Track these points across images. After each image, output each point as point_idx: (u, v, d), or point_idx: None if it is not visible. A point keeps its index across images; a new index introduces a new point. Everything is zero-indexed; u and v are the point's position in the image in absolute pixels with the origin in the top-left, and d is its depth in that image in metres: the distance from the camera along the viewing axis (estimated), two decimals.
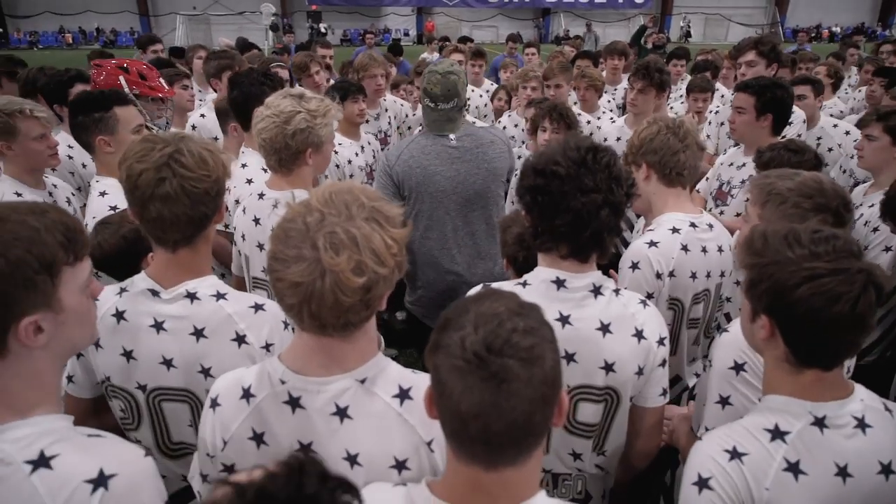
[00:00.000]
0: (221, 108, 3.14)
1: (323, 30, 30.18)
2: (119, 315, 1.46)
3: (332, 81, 4.74)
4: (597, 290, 1.53)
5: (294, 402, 1.16)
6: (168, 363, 1.46)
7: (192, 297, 1.46)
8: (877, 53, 7.06)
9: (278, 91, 2.16)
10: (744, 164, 2.94)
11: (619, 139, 3.81)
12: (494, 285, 1.46)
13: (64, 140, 2.92)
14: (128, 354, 1.47)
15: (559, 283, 1.51)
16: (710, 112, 4.55)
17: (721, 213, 2.95)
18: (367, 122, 4.18)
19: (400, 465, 1.15)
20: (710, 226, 2.04)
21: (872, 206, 2.58)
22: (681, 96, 5.25)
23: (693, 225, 1.99)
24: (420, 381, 1.19)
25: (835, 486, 1.16)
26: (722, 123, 3.91)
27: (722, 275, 2.08)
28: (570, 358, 1.50)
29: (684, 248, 1.95)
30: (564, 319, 1.49)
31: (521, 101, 4.38)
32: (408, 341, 3.43)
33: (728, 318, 2.33)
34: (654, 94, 3.67)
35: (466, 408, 0.88)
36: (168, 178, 1.37)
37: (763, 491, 1.15)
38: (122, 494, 1.00)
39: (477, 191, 2.65)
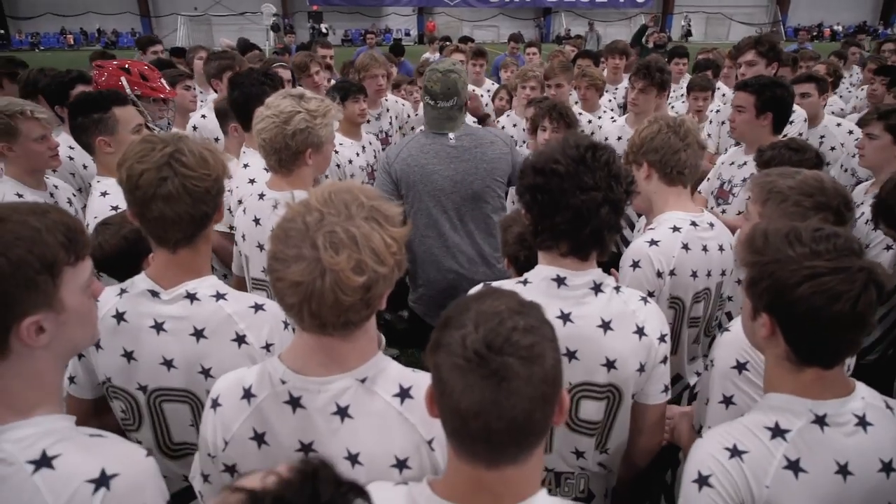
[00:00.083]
0: (221, 108, 3.14)
1: (324, 30, 30.18)
2: (119, 316, 1.47)
3: (333, 81, 4.74)
4: (597, 288, 1.53)
5: (295, 402, 1.16)
6: (168, 364, 1.47)
7: (191, 297, 1.46)
8: (878, 52, 7.05)
9: (278, 91, 2.17)
10: (745, 163, 2.94)
11: (619, 138, 3.82)
12: (495, 284, 1.47)
13: (65, 141, 2.92)
14: (128, 355, 1.47)
15: (560, 281, 1.51)
16: (712, 111, 4.55)
17: (723, 211, 2.95)
18: (368, 122, 4.19)
19: (401, 464, 1.16)
20: (711, 224, 2.05)
21: None
22: (682, 95, 5.25)
23: (694, 224, 1.99)
24: (420, 380, 1.19)
25: (835, 484, 1.16)
26: (723, 122, 3.91)
27: (723, 273, 2.08)
28: (571, 355, 1.50)
29: (685, 246, 1.95)
30: (565, 317, 1.50)
31: (521, 100, 4.38)
32: (409, 341, 3.43)
33: (729, 317, 2.33)
34: (655, 94, 3.67)
35: (467, 406, 0.88)
36: (170, 177, 1.37)
37: (763, 489, 1.15)
38: (123, 494, 1.00)
39: (475, 191, 2.65)
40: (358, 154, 3.66)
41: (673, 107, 5.07)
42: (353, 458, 1.15)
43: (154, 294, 1.46)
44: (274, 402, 1.17)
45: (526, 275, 1.58)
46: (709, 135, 4.15)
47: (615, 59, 5.89)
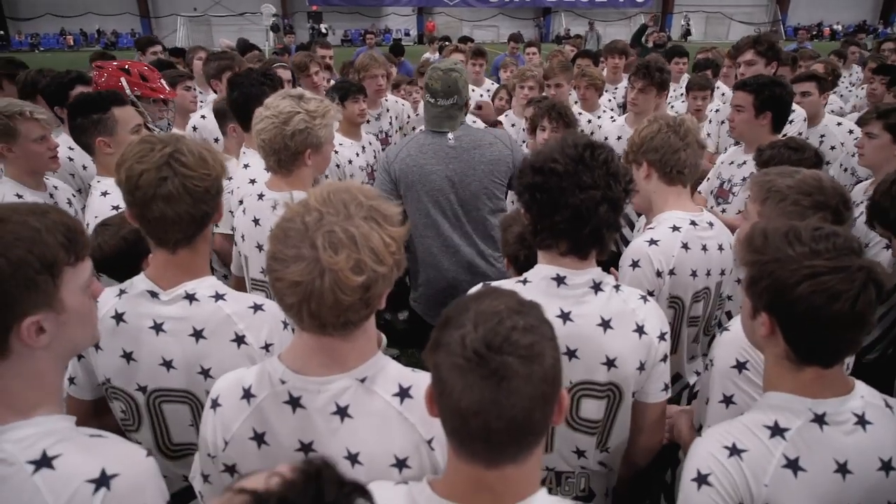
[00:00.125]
0: (219, 109, 3.14)
1: (324, 30, 30.20)
2: (118, 317, 1.47)
3: (332, 82, 4.74)
4: (597, 287, 1.53)
5: (294, 402, 1.16)
6: (168, 364, 1.47)
7: (190, 298, 1.46)
8: (878, 51, 7.06)
9: (278, 91, 2.17)
10: (744, 162, 2.94)
11: (619, 138, 3.82)
12: (495, 283, 1.47)
13: (65, 142, 2.92)
14: (128, 356, 1.47)
15: (559, 280, 1.52)
16: (711, 111, 4.55)
17: (723, 210, 2.95)
18: (368, 122, 4.19)
19: (400, 464, 1.16)
20: (711, 224, 2.05)
21: None
22: (681, 95, 5.25)
23: (693, 223, 1.99)
24: (420, 380, 1.19)
25: (834, 483, 1.16)
26: (723, 122, 3.91)
27: (722, 273, 2.08)
28: (571, 354, 1.51)
29: (684, 246, 1.95)
30: (565, 316, 1.50)
31: (519, 100, 4.38)
32: (409, 341, 3.43)
33: (729, 316, 2.33)
34: (655, 94, 3.67)
35: (466, 405, 0.88)
36: (170, 177, 1.37)
37: (762, 487, 1.15)
38: (124, 494, 1.00)
39: (473, 191, 2.65)
40: (358, 154, 3.66)
41: (673, 106, 5.07)
42: (352, 458, 1.15)
43: (153, 295, 1.46)
44: (274, 402, 1.17)
45: (525, 274, 1.58)
46: (708, 134, 4.16)
47: (615, 58, 5.89)
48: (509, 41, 8.95)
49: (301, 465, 0.67)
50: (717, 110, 4.43)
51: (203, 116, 3.78)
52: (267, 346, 1.47)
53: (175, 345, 1.46)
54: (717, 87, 5.24)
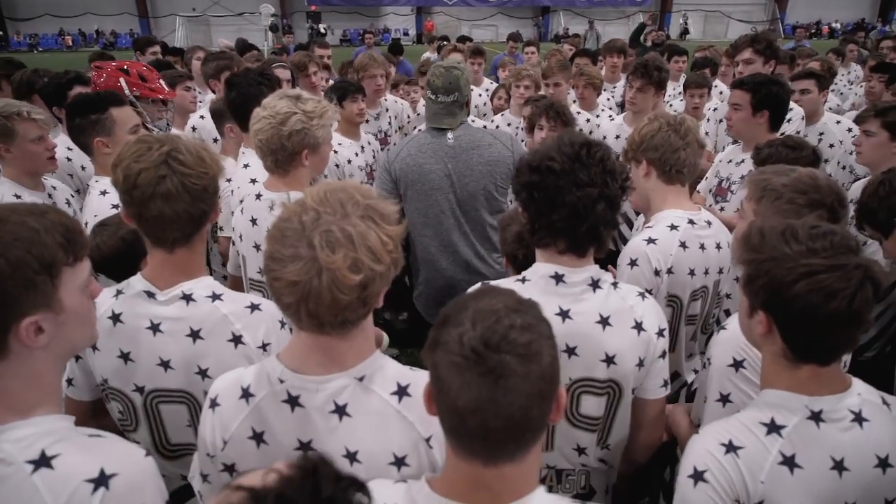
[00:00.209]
0: (217, 109, 3.15)
1: (322, 30, 30.18)
2: (116, 317, 1.47)
3: (331, 82, 4.74)
4: (595, 284, 1.54)
5: (293, 401, 1.16)
6: (165, 364, 1.47)
7: (187, 298, 1.46)
8: (877, 49, 7.06)
9: (276, 92, 2.17)
10: (743, 161, 2.94)
11: (617, 137, 3.82)
12: (493, 282, 1.47)
13: (63, 142, 2.92)
14: (125, 357, 1.48)
15: (558, 278, 1.52)
16: (710, 109, 4.55)
17: (721, 209, 2.95)
18: (367, 122, 4.19)
19: (399, 462, 1.16)
20: (709, 223, 2.05)
21: None
22: (679, 93, 5.25)
23: (691, 222, 1.99)
24: (418, 378, 1.19)
25: (831, 480, 1.16)
26: (721, 121, 3.91)
27: (720, 271, 2.09)
28: (571, 352, 1.51)
29: (682, 245, 1.95)
30: (564, 314, 1.50)
31: (516, 99, 4.38)
32: (409, 341, 3.43)
33: (728, 315, 2.33)
34: (653, 93, 3.68)
35: (464, 403, 0.88)
36: (168, 175, 1.38)
37: (758, 484, 1.16)
38: (122, 494, 1.00)
39: (471, 191, 2.66)
40: (357, 154, 3.66)
41: (671, 105, 5.07)
42: (351, 457, 1.16)
43: (150, 295, 1.46)
44: (272, 402, 1.18)
45: (524, 273, 1.59)
46: (706, 133, 4.16)
47: (613, 57, 5.90)
48: (508, 40, 8.95)
49: (298, 461, 0.67)
50: (715, 109, 4.43)
51: (202, 117, 3.77)
52: (264, 346, 1.48)
53: (172, 345, 1.46)
54: (716, 86, 5.24)
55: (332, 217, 1.05)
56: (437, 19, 33.61)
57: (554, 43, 23.07)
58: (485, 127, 3.98)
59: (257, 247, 2.19)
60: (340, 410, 1.15)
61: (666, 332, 1.60)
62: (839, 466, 1.16)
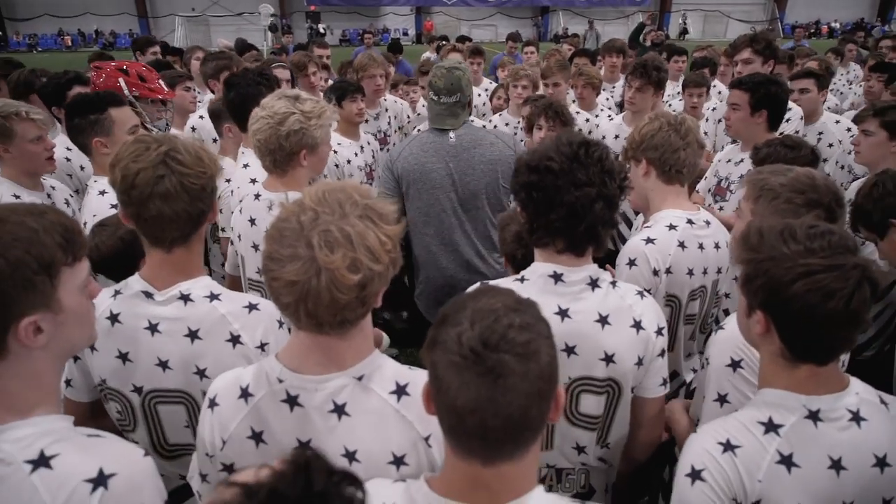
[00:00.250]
0: (215, 110, 3.15)
1: (322, 30, 30.18)
2: (114, 318, 1.47)
3: (330, 81, 4.74)
4: (594, 283, 1.54)
5: (292, 401, 1.16)
6: (164, 365, 1.47)
7: (185, 298, 1.47)
8: (876, 49, 7.07)
9: (274, 92, 2.17)
10: (742, 160, 2.94)
11: (616, 137, 3.82)
12: (492, 282, 1.47)
13: (62, 142, 2.92)
14: (123, 357, 1.48)
15: (556, 278, 1.52)
16: (708, 109, 4.56)
17: (720, 208, 2.95)
18: (367, 122, 4.19)
19: (398, 461, 1.16)
20: (707, 222, 2.05)
21: None
22: (678, 93, 5.25)
23: (690, 222, 1.99)
24: (416, 378, 1.20)
25: (828, 479, 1.16)
26: (719, 120, 3.92)
27: (718, 271, 2.09)
28: (570, 351, 1.51)
29: (681, 244, 1.95)
30: (563, 313, 1.51)
31: (513, 99, 4.39)
32: (409, 340, 3.44)
33: (727, 314, 2.33)
34: (652, 93, 3.68)
35: (463, 403, 0.89)
36: (167, 175, 1.38)
37: (756, 483, 1.16)
38: (121, 494, 1.00)
39: (472, 190, 2.67)
40: (356, 154, 3.66)
41: (671, 105, 5.07)
42: (350, 456, 1.16)
43: (148, 295, 1.46)
44: (271, 401, 1.18)
45: (523, 272, 1.59)
46: (705, 132, 4.16)
47: (612, 57, 5.90)
48: (507, 40, 8.95)
49: (291, 456, 0.68)
50: (714, 108, 4.44)
51: (201, 117, 3.78)
52: (262, 346, 1.48)
53: (170, 345, 1.46)
54: (714, 86, 5.24)
55: (330, 217, 1.05)
56: (436, 19, 33.62)
57: (553, 43, 23.08)
58: (483, 127, 3.99)
59: (256, 247, 2.19)
60: (339, 410, 1.16)
61: (665, 331, 1.60)
62: (837, 466, 1.16)
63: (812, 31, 30.96)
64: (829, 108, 4.58)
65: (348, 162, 3.56)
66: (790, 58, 5.44)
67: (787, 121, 3.31)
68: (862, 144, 2.85)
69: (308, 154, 2.08)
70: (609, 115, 4.44)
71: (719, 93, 5.10)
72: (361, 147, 3.74)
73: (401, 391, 1.18)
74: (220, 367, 1.38)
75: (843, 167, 3.64)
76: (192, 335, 1.46)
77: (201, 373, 1.47)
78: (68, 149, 2.98)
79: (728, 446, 1.19)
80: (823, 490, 1.16)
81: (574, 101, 4.60)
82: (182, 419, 1.54)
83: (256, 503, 0.63)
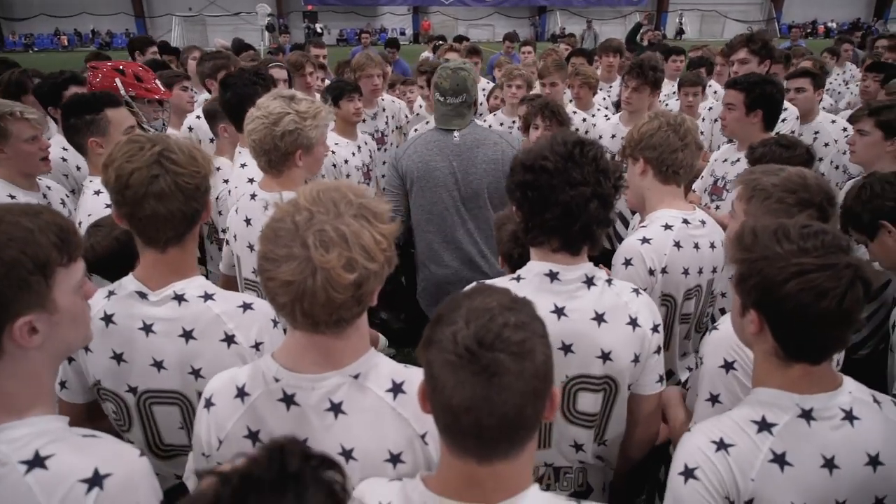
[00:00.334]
0: (209, 110, 3.14)
1: (319, 30, 30.15)
2: (108, 318, 1.46)
3: (327, 81, 4.74)
4: (589, 281, 1.55)
5: (289, 400, 1.17)
6: (159, 365, 1.47)
7: (179, 298, 1.47)
8: (872, 49, 7.09)
9: (270, 92, 2.17)
10: (738, 160, 2.95)
11: (613, 136, 3.83)
12: (488, 281, 1.48)
13: (58, 142, 2.92)
14: (118, 357, 1.48)
15: (552, 276, 1.53)
16: (705, 109, 4.57)
17: (717, 207, 2.96)
18: (364, 121, 4.20)
19: (395, 459, 1.17)
20: (703, 222, 2.06)
21: None
22: (674, 93, 5.27)
23: (685, 221, 2.00)
24: (413, 376, 1.20)
25: (821, 478, 1.17)
26: (716, 120, 3.93)
27: (714, 271, 2.09)
28: (567, 349, 1.52)
29: (677, 244, 1.96)
30: (559, 311, 1.51)
31: (508, 99, 4.39)
32: (406, 340, 3.44)
33: (723, 313, 2.34)
34: (649, 92, 3.69)
35: (458, 402, 0.89)
36: (161, 175, 1.38)
37: (749, 482, 1.16)
38: (116, 494, 1.00)
39: (475, 189, 2.70)
40: (353, 154, 3.66)
41: (667, 104, 5.08)
42: (347, 454, 1.16)
43: (142, 296, 1.46)
44: (268, 400, 1.18)
45: (519, 271, 1.59)
46: (702, 132, 4.17)
47: (609, 57, 5.91)
48: (504, 40, 8.95)
49: (267, 443, 0.69)
50: (710, 108, 4.44)
51: (198, 116, 3.77)
52: (257, 345, 1.48)
53: (165, 345, 1.46)
54: (710, 86, 5.25)
55: (325, 216, 1.05)
56: (433, 19, 33.62)
57: (550, 42, 23.07)
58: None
59: (251, 247, 2.19)
60: (336, 408, 1.16)
61: (660, 328, 1.61)
62: (830, 464, 1.17)
63: (809, 30, 31.03)
64: (823, 108, 4.59)
65: (346, 162, 3.56)
66: (786, 57, 5.45)
67: (783, 121, 3.32)
68: (857, 144, 2.86)
69: (303, 154, 2.08)
70: (606, 115, 4.45)
71: (714, 92, 5.11)
72: (359, 147, 3.75)
73: (397, 389, 1.18)
74: (214, 367, 1.38)
75: (837, 167, 3.65)
76: (187, 335, 1.46)
77: (196, 373, 1.47)
78: (64, 149, 2.97)
79: (721, 445, 1.19)
80: (816, 489, 1.17)
81: (571, 101, 4.61)
82: (176, 421, 1.54)
83: (230, 489, 0.64)
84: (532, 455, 0.99)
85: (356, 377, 1.17)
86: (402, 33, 33.43)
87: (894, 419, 1.23)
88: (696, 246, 2.01)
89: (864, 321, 2.35)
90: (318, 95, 3.95)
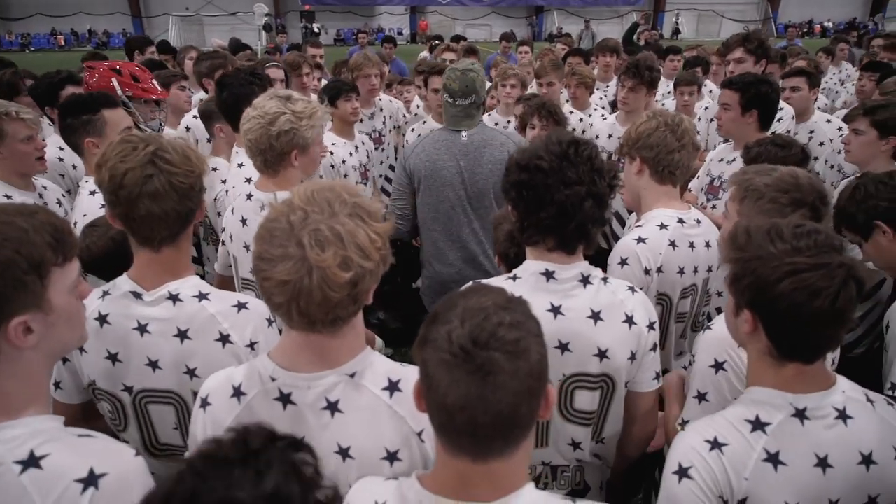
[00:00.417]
0: (205, 110, 3.14)
1: (316, 30, 30.13)
2: (102, 318, 1.46)
3: (324, 81, 4.74)
4: (585, 280, 1.55)
5: (285, 399, 1.17)
6: (154, 364, 1.47)
7: (174, 298, 1.46)
8: (868, 48, 7.11)
9: (266, 92, 2.17)
10: (734, 159, 2.96)
11: (610, 136, 3.84)
12: (484, 281, 1.48)
13: (54, 142, 2.91)
14: (113, 357, 1.47)
15: (548, 275, 1.53)
16: (701, 108, 4.58)
17: (713, 207, 2.97)
18: (362, 121, 4.20)
19: (391, 457, 1.17)
20: (698, 221, 2.06)
21: None
22: (670, 92, 5.28)
23: (681, 221, 2.00)
24: (408, 374, 1.20)
25: (815, 477, 1.17)
26: (712, 119, 3.94)
27: (709, 270, 2.10)
28: (563, 347, 1.52)
29: (672, 244, 1.97)
30: (556, 310, 1.52)
31: (502, 98, 4.40)
32: (403, 340, 3.45)
33: (719, 312, 2.35)
34: (645, 92, 3.70)
35: (453, 400, 0.89)
36: (155, 174, 1.38)
37: (742, 481, 1.16)
38: (112, 494, 1.00)
39: (481, 188, 2.72)
40: (351, 154, 3.67)
41: (664, 104, 5.09)
42: (343, 452, 1.16)
43: (137, 296, 1.46)
44: (264, 400, 1.18)
45: (515, 270, 1.60)
46: (698, 132, 4.18)
47: (606, 57, 5.92)
48: (501, 40, 8.95)
49: (234, 427, 0.72)
50: (706, 108, 4.46)
51: (196, 116, 3.77)
52: (252, 345, 1.48)
53: (160, 345, 1.46)
54: (706, 85, 5.26)
55: (320, 216, 1.06)
56: (431, 19, 33.64)
57: (547, 42, 23.09)
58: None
59: (247, 247, 2.19)
60: (332, 407, 1.16)
61: (656, 325, 1.61)
62: (823, 463, 1.17)
63: (805, 30, 31.08)
64: (819, 107, 4.61)
65: (343, 162, 3.56)
66: (782, 57, 5.46)
67: (779, 120, 3.33)
68: (852, 143, 2.87)
69: (299, 154, 2.08)
70: (602, 115, 4.45)
71: (710, 92, 5.12)
72: (356, 147, 3.75)
73: (393, 387, 1.19)
74: (209, 366, 1.38)
75: (832, 166, 3.66)
76: (182, 335, 1.46)
77: (191, 372, 1.47)
78: (61, 148, 2.97)
79: (715, 444, 1.19)
80: (810, 488, 1.17)
81: (568, 101, 4.62)
82: (171, 420, 1.54)
83: (194, 472, 0.66)
84: (527, 454, 1.00)
85: (352, 376, 1.17)
86: (400, 33, 33.44)
87: (888, 418, 1.23)
88: (692, 245, 2.01)
89: (858, 320, 2.35)
90: (314, 95, 3.95)
